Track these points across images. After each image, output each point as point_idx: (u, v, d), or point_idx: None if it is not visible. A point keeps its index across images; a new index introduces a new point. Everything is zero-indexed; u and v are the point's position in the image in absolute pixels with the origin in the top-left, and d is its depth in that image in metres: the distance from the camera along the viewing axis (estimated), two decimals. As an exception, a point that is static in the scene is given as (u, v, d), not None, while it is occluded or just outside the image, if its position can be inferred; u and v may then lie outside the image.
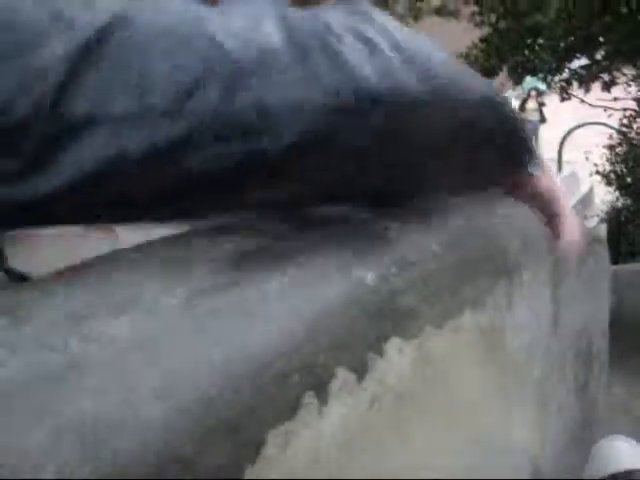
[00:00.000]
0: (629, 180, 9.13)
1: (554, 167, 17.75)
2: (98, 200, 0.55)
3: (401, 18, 11.16)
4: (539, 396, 1.08)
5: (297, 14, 0.60)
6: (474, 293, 0.80)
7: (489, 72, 9.59)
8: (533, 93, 18.59)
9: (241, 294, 0.54)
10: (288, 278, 0.58)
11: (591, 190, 15.51)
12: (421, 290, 0.68)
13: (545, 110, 18.62)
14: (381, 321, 0.62)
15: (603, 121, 11.05)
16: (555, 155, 17.86)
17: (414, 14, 11.21)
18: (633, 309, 3.78)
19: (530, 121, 19.51)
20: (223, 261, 0.57)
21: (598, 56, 8.82)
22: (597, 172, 10.01)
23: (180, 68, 0.52)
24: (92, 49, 0.50)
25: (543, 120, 19.14)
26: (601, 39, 8.43)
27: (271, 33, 0.57)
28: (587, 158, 10.28)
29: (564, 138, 17.41)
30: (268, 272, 0.58)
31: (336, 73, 0.56)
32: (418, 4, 11.08)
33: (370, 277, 0.62)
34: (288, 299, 0.56)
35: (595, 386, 1.69)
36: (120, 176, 0.52)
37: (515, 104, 20.32)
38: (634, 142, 9.31)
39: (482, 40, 9.57)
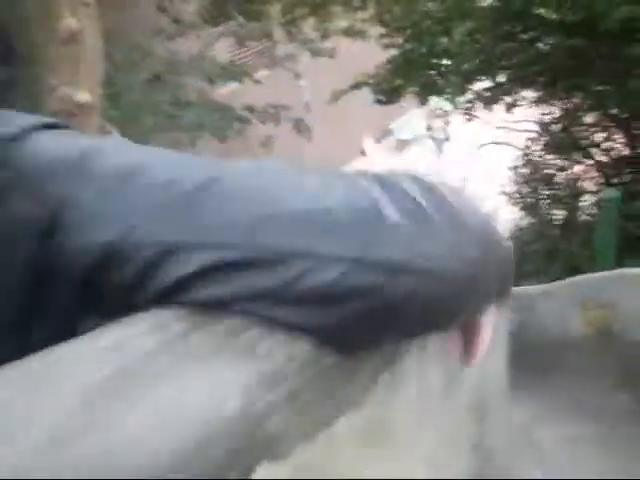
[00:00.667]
0: (532, 201, 9.33)
1: (458, 185, 18.05)
2: None
3: (306, 40, 11.21)
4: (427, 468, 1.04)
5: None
6: (352, 394, 0.76)
7: (395, 92, 9.70)
8: (438, 111, 18.94)
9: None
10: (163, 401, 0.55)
11: (495, 209, 15.86)
12: (289, 409, 0.63)
13: (450, 129, 19.01)
14: (248, 450, 0.58)
15: (506, 142, 11.30)
16: (459, 173, 18.16)
17: (322, 34, 11.26)
18: (533, 331, 3.83)
19: (435, 139, 19.92)
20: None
21: (501, 78, 9.01)
22: (503, 192, 10.20)
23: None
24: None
25: (447, 138, 19.53)
26: (503, 63, 8.61)
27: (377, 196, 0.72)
28: (490, 179, 10.47)
29: (469, 157, 17.72)
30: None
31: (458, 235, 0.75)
32: (326, 24, 11.12)
33: (234, 406, 0.58)
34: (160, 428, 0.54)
35: (492, 437, 1.66)
36: None
37: (422, 123, 20.68)
38: (536, 164, 9.54)
39: (389, 61, 9.67)
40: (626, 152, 8.61)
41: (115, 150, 0.73)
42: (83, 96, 4.44)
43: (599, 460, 2.45)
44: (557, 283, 3.57)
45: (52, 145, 0.71)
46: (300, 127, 12.45)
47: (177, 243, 0.65)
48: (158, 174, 0.69)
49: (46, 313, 0.68)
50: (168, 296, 0.65)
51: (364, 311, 0.67)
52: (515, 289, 5.41)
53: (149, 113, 8.76)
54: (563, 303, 3.35)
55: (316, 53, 11.60)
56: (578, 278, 3.30)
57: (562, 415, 2.90)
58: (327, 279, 0.64)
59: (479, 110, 9.72)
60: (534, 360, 3.57)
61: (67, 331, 0.63)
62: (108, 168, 0.69)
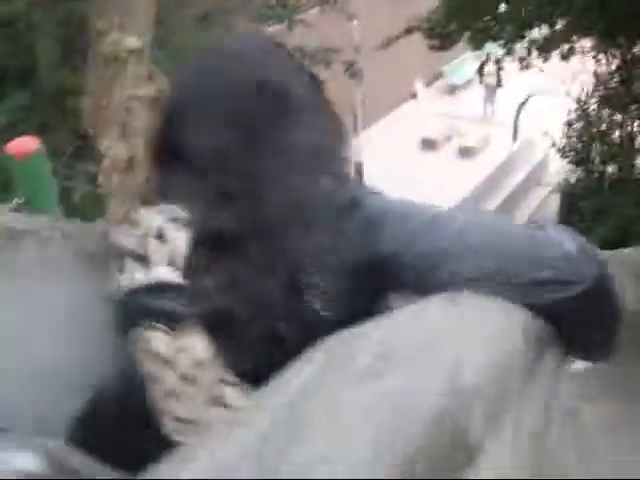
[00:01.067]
0: (583, 156, 9.13)
1: (511, 131, 17.81)
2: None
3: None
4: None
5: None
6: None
7: (449, 37, 9.49)
8: (492, 56, 18.56)
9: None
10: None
11: (545, 158, 15.59)
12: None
13: (503, 75, 18.63)
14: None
15: (561, 91, 11.04)
16: (511, 119, 17.91)
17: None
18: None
19: (488, 85, 19.55)
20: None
21: (558, 26, 8.76)
22: (553, 145, 9.99)
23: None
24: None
25: (500, 84, 19.16)
26: (561, 9, 8.37)
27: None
28: (545, 133, 10.20)
29: (521, 105, 17.40)
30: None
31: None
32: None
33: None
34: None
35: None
36: None
37: (475, 67, 20.28)
38: (591, 119, 9.30)
39: (444, 4, 9.44)
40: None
41: (416, 210, 1.17)
42: (132, 41, 4.39)
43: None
44: (612, 252, 3.47)
45: (377, 203, 1.18)
46: (351, 71, 12.29)
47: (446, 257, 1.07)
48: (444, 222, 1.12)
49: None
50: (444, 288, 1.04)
51: (583, 292, 1.01)
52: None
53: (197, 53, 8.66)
54: (619, 273, 3.25)
55: None
56: (633, 249, 3.20)
57: (606, 396, 2.85)
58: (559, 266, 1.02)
59: (534, 58, 9.48)
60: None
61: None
62: (415, 220, 1.13)
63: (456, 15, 9.12)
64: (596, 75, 9.33)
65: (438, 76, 22.24)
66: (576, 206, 8.69)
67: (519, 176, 16.22)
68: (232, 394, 1.10)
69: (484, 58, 19.00)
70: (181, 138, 1.22)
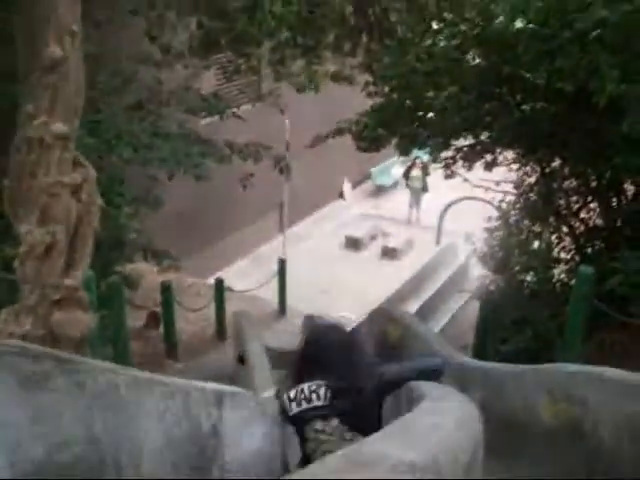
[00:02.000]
0: (503, 264, 9.30)
1: (434, 235, 18.13)
2: None
3: (297, 81, 11.23)
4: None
5: None
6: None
7: (377, 140, 9.68)
8: (418, 162, 19.08)
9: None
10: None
11: (467, 263, 15.89)
12: None
13: (428, 181, 19.13)
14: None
15: (485, 198, 11.33)
16: (435, 223, 18.26)
17: (309, 78, 11.28)
18: (501, 411, 3.76)
19: (414, 188, 20.00)
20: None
21: (483, 137, 9.02)
22: (475, 251, 10.18)
23: None
24: None
25: (425, 189, 19.64)
26: (487, 122, 8.62)
27: None
28: (467, 238, 10.44)
29: (445, 209, 17.80)
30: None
31: None
32: (314, 68, 11.13)
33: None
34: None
35: None
36: None
37: (401, 171, 20.75)
38: (512, 229, 9.52)
39: (373, 109, 9.66)
40: (600, 222, 8.62)
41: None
42: (59, 127, 4.35)
43: None
44: (526, 367, 3.51)
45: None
46: (281, 166, 12.45)
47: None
48: None
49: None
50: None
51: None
52: (484, 364, 5.37)
53: (127, 143, 8.63)
54: (532, 389, 3.28)
55: (301, 89, 11.58)
56: (549, 366, 3.23)
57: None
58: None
59: (458, 166, 9.73)
60: (498, 443, 3.50)
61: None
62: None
63: (384, 120, 9.32)
64: (517, 186, 9.61)
65: (366, 177, 22.67)
66: (495, 313, 8.80)
67: (441, 280, 16.44)
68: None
69: (410, 163, 19.59)
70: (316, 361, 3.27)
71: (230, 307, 12.26)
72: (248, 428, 3.79)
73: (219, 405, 3.47)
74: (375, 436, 1.49)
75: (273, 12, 9.24)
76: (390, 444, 1.43)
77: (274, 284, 13.77)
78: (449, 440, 1.58)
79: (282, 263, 13.87)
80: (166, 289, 10.91)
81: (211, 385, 3.68)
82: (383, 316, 9.80)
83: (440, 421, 2.05)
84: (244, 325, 9.74)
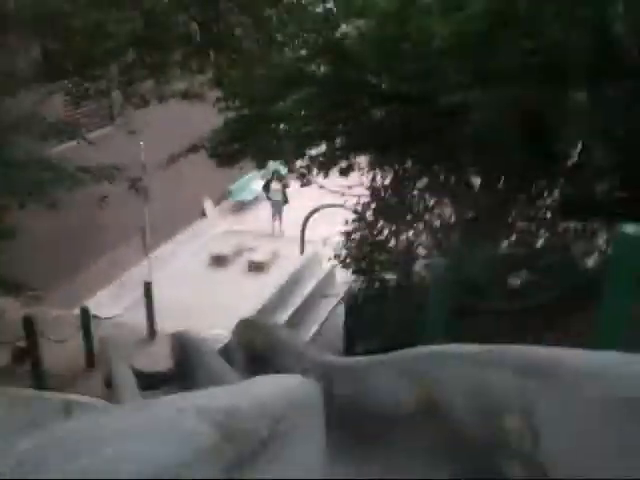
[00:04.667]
0: (364, 265, 9.52)
1: (298, 245, 18.32)
2: None
3: (144, 101, 11.13)
4: None
5: None
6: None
7: (232, 155, 9.73)
8: (276, 174, 19.27)
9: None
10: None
11: (332, 269, 16.12)
12: None
13: (288, 192, 19.34)
14: None
15: (343, 204, 11.55)
16: (298, 234, 18.45)
17: (158, 95, 11.20)
18: (365, 404, 3.85)
19: (275, 201, 20.19)
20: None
21: (336, 144, 9.20)
22: (335, 256, 10.37)
23: None
24: None
25: (286, 201, 19.86)
26: (338, 129, 8.83)
27: None
28: (325, 243, 10.66)
29: (307, 219, 18.01)
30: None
31: None
32: (163, 87, 11.06)
33: None
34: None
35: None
36: None
37: (260, 185, 20.90)
38: (368, 230, 9.76)
39: (226, 124, 9.69)
40: (454, 217, 8.96)
41: None
42: None
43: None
44: (386, 356, 3.62)
45: None
46: (136, 187, 12.30)
47: None
48: None
49: None
50: None
51: None
52: (344, 360, 5.49)
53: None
54: (392, 376, 3.39)
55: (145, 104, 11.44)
56: (405, 351, 3.35)
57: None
58: None
59: (317, 174, 9.88)
60: (362, 435, 3.60)
61: None
62: None
63: (238, 134, 9.39)
64: (371, 188, 9.86)
65: (226, 194, 22.68)
66: (360, 315, 9.00)
67: (308, 288, 16.61)
68: None
69: (269, 176, 19.76)
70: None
71: (99, 335, 12.04)
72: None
73: (67, 413, 3.40)
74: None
75: (110, 32, 9.14)
76: (192, 395, 1.47)
77: (142, 308, 13.59)
78: (257, 396, 1.63)
79: (148, 286, 13.70)
80: (28, 322, 10.59)
81: (58, 394, 3.61)
82: (248, 327, 9.84)
83: (258, 383, 2.12)
84: (110, 350, 9.58)
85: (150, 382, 9.25)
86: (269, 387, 1.98)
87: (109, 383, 8.18)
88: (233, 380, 5.98)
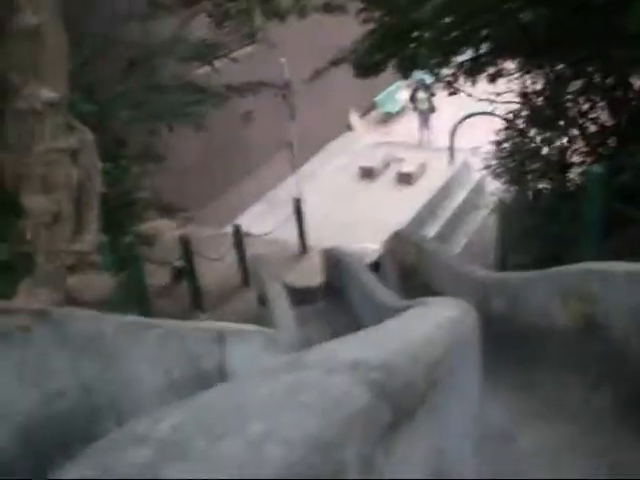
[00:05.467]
0: (515, 175, 9.20)
1: (447, 156, 18.00)
2: None
3: (285, 14, 11.04)
4: None
5: None
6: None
7: (376, 66, 9.53)
8: (421, 83, 18.82)
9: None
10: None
11: (482, 179, 15.76)
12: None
13: (435, 101, 18.88)
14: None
15: (491, 111, 11.16)
16: (446, 143, 18.11)
17: (299, 10, 11.07)
18: (518, 321, 3.75)
19: (422, 111, 19.80)
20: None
21: (483, 50, 8.85)
22: (486, 166, 10.08)
23: None
24: None
25: (433, 110, 19.41)
26: (484, 34, 8.45)
27: None
28: (474, 153, 10.36)
29: (455, 127, 17.61)
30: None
31: None
32: (302, 1, 10.92)
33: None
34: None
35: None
36: None
37: (406, 95, 20.53)
38: (520, 138, 9.39)
39: (368, 35, 9.48)
40: (610, 122, 8.48)
41: None
42: (48, 94, 4.30)
43: (577, 469, 2.38)
44: (539, 272, 3.48)
45: None
46: (284, 98, 12.33)
47: None
48: None
49: None
50: None
51: None
52: (498, 276, 5.34)
53: (124, 105, 8.57)
54: (545, 294, 3.26)
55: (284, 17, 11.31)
56: (559, 269, 3.20)
57: (542, 418, 2.82)
58: None
59: (463, 82, 9.57)
60: (518, 353, 3.49)
61: None
62: None
63: (381, 44, 9.16)
64: (522, 95, 9.44)
65: (372, 107, 22.46)
66: (512, 225, 8.75)
67: (458, 199, 16.37)
68: None
69: (415, 86, 19.35)
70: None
71: (251, 252, 12.34)
72: (257, 362, 3.77)
73: (221, 342, 3.46)
74: (332, 342, 1.44)
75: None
76: (341, 347, 1.40)
77: (293, 224, 13.79)
78: (411, 342, 1.53)
79: (297, 202, 13.85)
80: (185, 242, 10.96)
81: (211, 324, 3.66)
82: (400, 241, 9.78)
83: (412, 324, 2.03)
84: (262, 267, 9.77)
85: (302, 297, 9.41)
86: (426, 326, 1.89)
87: (262, 300, 8.36)
88: (384, 297, 5.96)
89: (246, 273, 12.27)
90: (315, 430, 0.89)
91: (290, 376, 1.09)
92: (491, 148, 10.06)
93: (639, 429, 2.39)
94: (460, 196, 16.52)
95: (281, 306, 7.32)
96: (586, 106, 8.72)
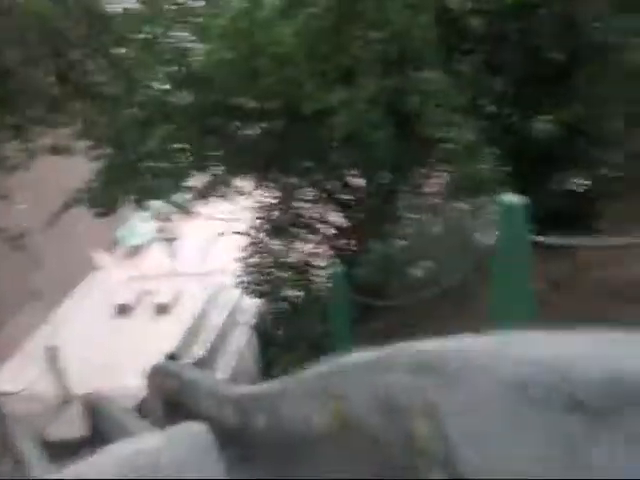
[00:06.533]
0: (266, 287, 9.36)
1: (201, 280, 18.03)
2: None
3: (9, 161, 10.71)
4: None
5: None
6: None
7: (112, 201, 9.42)
8: (162, 213, 18.81)
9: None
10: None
11: (240, 297, 15.91)
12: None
13: (179, 227, 18.90)
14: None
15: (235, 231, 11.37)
16: (199, 268, 18.19)
17: (28, 155, 10.76)
18: (280, 433, 3.73)
19: (168, 239, 19.75)
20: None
21: (217, 171, 9.05)
22: (238, 284, 10.21)
23: None
24: None
25: (176, 237, 19.40)
26: (214, 155, 8.69)
27: None
28: (224, 273, 10.47)
29: (204, 251, 17.76)
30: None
31: None
32: (29, 145, 10.65)
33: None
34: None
35: None
36: None
37: (149, 225, 20.47)
38: (263, 251, 9.62)
39: (100, 172, 9.37)
40: (346, 223, 8.91)
41: None
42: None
43: None
44: (292, 378, 3.52)
45: None
46: (20, 246, 11.82)
47: None
48: None
49: None
50: None
51: None
52: (256, 389, 5.33)
53: None
54: (302, 397, 3.27)
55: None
56: (310, 369, 3.25)
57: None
58: None
59: (203, 205, 9.68)
60: (281, 465, 3.48)
61: None
62: None
63: (115, 178, 9.13)
64: (260, 208, 9.71)
65: (116, 242, 22.17)
66: (271, 336, 8.86)
67: (218, 322, 16.39)
68: None
69: (157, 215, 19.32)
70: None
71: (11, 410, 11.53)
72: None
73: None
74: None
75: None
76: None
77: (51, 375, 13.15)
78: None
79: (52, 351, 13.23)
80: None
81: None
82: (160, 375, 9.56)
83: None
84: (13, 428, 9.16)
85: (63, 451, 8.81)
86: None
87: (18, 462, 7.79)
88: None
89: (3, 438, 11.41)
90: None
91: None
92: (240, 265, 10.20)
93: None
94: (219, 318, 16.57)
95: (36, 467, 6.85)
96: (320, 211, 9.14)
